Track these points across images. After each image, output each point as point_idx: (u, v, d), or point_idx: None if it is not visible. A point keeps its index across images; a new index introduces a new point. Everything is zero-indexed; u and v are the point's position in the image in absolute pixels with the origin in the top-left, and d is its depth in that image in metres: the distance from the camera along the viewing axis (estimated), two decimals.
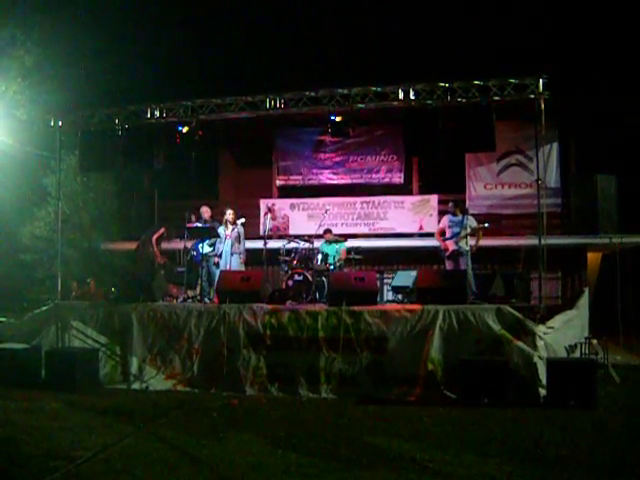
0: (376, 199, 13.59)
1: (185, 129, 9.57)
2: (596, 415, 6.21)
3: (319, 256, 9.52)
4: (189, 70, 16.48)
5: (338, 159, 14.04)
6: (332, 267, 9.43)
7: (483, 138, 8.47)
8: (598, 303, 10.38)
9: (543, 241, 7.98)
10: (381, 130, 13.65)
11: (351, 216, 13.59)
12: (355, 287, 7.88)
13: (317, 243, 9.96)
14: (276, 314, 7.76)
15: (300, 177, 14.26)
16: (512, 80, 8.23)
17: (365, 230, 13.51)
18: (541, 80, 8.09)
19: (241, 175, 14.92)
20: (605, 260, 13.78)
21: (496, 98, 8.31)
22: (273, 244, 10.46)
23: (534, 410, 6.47)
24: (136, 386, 7.87)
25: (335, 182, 14.10)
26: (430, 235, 11.95)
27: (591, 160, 13.11)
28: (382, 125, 13.42)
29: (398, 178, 13.83)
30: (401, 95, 8.57)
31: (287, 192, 14.30)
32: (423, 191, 13.83)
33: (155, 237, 10.40)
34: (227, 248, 9.78)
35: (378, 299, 8.50)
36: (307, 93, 8.94)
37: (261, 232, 12.42)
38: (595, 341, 7.96)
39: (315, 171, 14.19)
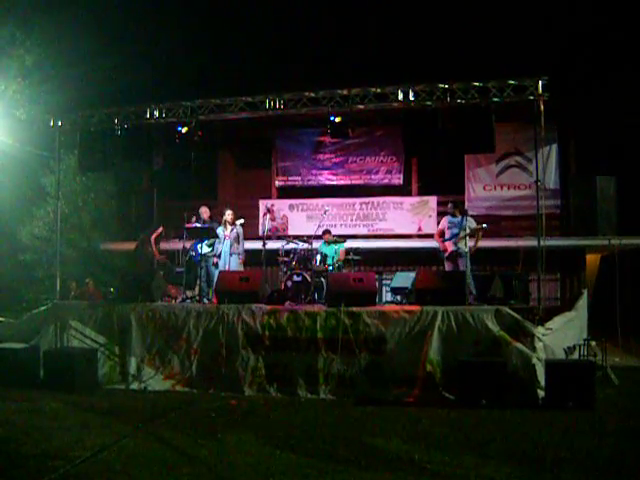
0: (375, 200, 13.59)
1: (184, 129, 9.55)
2: (594, 417, 6.21)
3: (318, 257, 9.51)
4: (189, 70, 16.43)
5: (337, 160, 14.04)
6: (331, 268, 9.41)
7: (482, 139, 8.46)
8: (597, 305, 10.35)
9: (542, 242, 7.99)
10: (380, 131, 13.66)
11: (350, 217, 13.60)
12: (354, 288, 7.88)
13: (316, 244, 9.95)
14: (275, 315, 7.76)
15: (299, 178, 14.26)
16: (511, 81, 8.24)
17: (364, 231, 13.50)
18: (540, 81, 8.10)
19: (240, 175, 14.91)
20: (604, 262, 13.76)
21: (495, 99, 8.32)
22: (272, 245, 10.44)
23: (533, 411, 6.48)
24: (135, 386, 7.87)
25: (334, 183, 14.09)
26: (429, 236, 11.98)
27: (590, 161, 13.13)
28: (381, 126, 13.42)
29: (397, 179, 13.82)
30: (400, 96, 8.58)
31: (286, 193, 14.29)
32: (422, 192, 13.82)
33: (154, 237, 10.42)
34: (226, 248, 9.78)
35: (377, 300, 8.48)
36: (307, 94, 8.94)
37: (260, 233, 12.43)
38: (594, 343, 7.96)
39: (314, 172, 14.18)
